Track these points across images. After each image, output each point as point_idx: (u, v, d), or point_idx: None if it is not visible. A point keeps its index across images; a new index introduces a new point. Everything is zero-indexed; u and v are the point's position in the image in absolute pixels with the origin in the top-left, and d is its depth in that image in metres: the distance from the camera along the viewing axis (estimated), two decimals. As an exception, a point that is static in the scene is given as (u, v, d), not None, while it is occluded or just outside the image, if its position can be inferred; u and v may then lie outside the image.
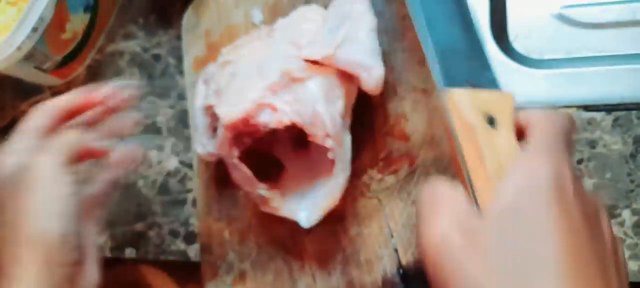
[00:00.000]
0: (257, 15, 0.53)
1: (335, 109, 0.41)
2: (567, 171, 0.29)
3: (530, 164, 0.30)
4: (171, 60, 0.60)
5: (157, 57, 0.60)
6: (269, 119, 0.39)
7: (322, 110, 0.39)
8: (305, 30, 0.43)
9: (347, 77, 0.42)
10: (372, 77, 0.41)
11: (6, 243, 0.37)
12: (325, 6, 0.47)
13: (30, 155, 0.39)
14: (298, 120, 0.39)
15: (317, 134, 0.39)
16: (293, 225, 0.44)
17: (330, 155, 0.40)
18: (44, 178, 0.38)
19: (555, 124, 0.31)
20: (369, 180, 0.47)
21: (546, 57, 0.51)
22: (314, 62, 0.41)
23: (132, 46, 0.61)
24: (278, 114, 0.39)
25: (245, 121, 0.39)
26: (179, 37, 0.59)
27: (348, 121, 0.44)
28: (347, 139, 0.43)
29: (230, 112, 0.39)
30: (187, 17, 0.57)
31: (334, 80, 0.41)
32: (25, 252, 0.36)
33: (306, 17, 0.44)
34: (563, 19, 0.51)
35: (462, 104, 0.31)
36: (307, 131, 0.39)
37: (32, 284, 0.36)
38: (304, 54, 0.41)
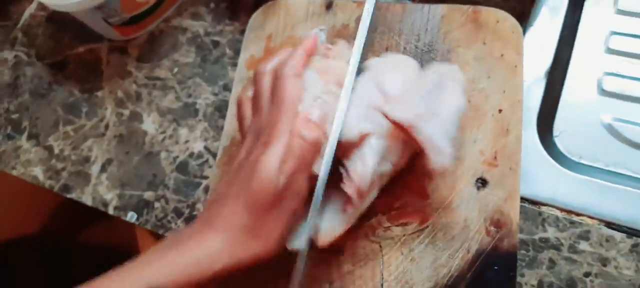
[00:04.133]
0: (321, 36, 0.54)
1: (381, 170, 0.43)
2: None
3: None
4: (228, 51, 0.61)
5: (215, 44, 0.62)
6: (345, 176, 0.42)
7: (372, 171, 0.41)
8: (394, 80, 0.43)
9: (409, 143, 0.42)
10: (440, 161, 0.41)
11: None
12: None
13: None
14: (357, 182, 0.41)
15: (352, 192, 0.41)
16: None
17: (349, 207, 0.42)
18: None
19: None
20: (377, 224, 0.47)
21: (584, 161, 0.50)
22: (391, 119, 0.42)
23: (196, 26, 0.63)
24: (348, 177, 0.41)
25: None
26: (242, 32, 0.61)
27: (386, 179, 0.45)
28: (373, 194, 0.44)
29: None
30: (255, 16, 0.58)
31: (397, 146, 0.43)
32: None
33: (399, 67, 0.45)
34: (612, 130, 0.50)
35: None
36: (345, 183, 0.41)
37: None
38: (392, 115, 0.41)
